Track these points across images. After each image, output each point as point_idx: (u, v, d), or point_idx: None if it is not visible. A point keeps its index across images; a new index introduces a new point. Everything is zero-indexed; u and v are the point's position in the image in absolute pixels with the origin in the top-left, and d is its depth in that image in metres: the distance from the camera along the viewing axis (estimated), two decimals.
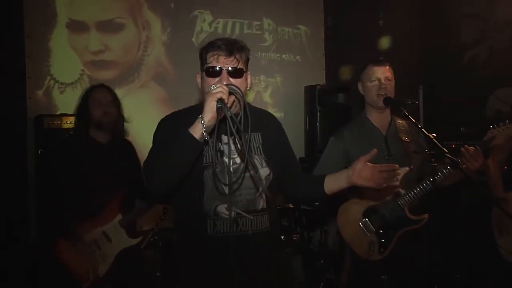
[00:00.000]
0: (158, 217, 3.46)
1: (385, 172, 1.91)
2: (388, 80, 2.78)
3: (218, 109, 1.68)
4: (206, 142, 1.75)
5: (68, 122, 3.57)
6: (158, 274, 3.42)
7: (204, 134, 1.69)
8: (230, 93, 1.74)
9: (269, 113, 2.23)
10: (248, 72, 1.98)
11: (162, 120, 2.01)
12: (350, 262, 2.83)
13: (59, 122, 3.58)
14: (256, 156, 1.96)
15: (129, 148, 3.10)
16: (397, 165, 1.94)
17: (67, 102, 4.03)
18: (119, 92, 4.23)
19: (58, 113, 3.85)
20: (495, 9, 4.07)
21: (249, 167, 1.87)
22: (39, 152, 3.48)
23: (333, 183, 2.00)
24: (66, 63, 4.09)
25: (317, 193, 2.05)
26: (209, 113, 1.69)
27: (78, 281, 2.73)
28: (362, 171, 1.92)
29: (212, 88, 1.73)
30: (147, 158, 1.88)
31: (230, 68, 1.86)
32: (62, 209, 2.76)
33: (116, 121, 2.98)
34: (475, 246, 3.54)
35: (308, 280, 3.78)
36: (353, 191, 2.80)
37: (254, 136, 2.00)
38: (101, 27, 4.24)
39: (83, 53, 4.17)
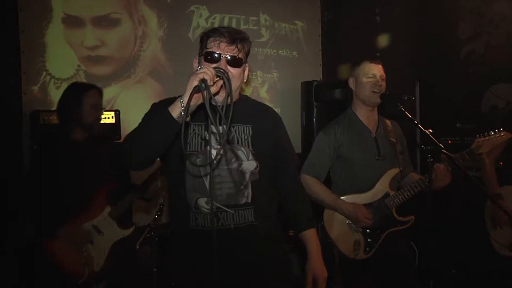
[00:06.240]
0: (154, 212, 3.46)
1: None
2: (383, 79, 2.79)
3: (195, 87, 1.60)
4: (187, 123, 1.72)
5: None
6: (154, 269, 3.41)
7: (183, 114, 1.62)
8: (217, 76, 1.68)
9: (267, 107, 2.17)
10: (247, 65, 1.96)
11: (154, 103, 1.99)
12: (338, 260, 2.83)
13: (54, 117, 3.53)
14: (242, 148, 1.93)
15: (106, 142, 3.08)
16: None
17: None
18: (115, 87, 4.26)
19: (54, 108, 3.82)
20: (492, 5, 4.07)
21: (231, 157, 1.87)
22: (35, 148, 3.46)
23: (303, 241, 2.13)
24: (61, 59, 4.06)
25: (294, 225, 2.18)
26: (189, 93, 1.62)
27: (74, 277, 2.73)
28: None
29: (198, 68, 1.68)
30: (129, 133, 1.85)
31: (229, 56, 1.84)
32: (48, 209, 2.74)
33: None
34: (469, 241, 3.56)
35: (304, 276, 3.78)
36: (342, 189, 2.83)
37: (243, 128, 1.96)
38: (97, 22, 4.21)
39: (79, 48, 4.15)
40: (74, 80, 4.07)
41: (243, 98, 2.09)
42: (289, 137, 2.20)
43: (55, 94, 4.01)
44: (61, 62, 4.06)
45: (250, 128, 1.98)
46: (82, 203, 2.81)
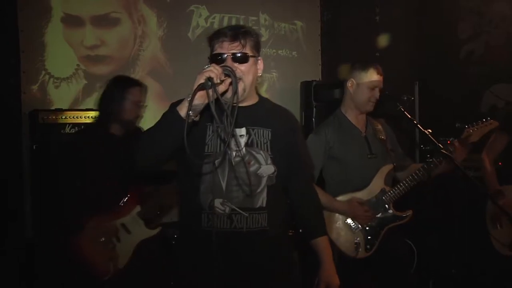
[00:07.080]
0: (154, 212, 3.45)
1: None
2: (379, 91, 2.82)
3: (200, 85, 1.62)
4: (195, 122, 1.71)
5: (63, 117, 3.55)
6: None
7: (191, 113, 1.63)
8: (225, 75, 1.69)
9: (287, 111, 2.15)
10: (259, 58, 1.95)
11: (172, 103, 1.95)
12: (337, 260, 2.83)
13: (54, 117, 3.55)
14: (261, 152, 1.91)
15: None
16: None
17: (62, 97, 4.02)
18: None
19: (53, 108, 3.83)
20: (492, 5, 4.08)
21: (251, 162, 1.86)
22: (34, 147, 3.46)
23: (316, 249, 2.12)
24: (61, 58, 4.05)
25: (306, 232, 2.17)
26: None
27: (98, 275, 2.73)
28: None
29: (206, 67, 1.68)
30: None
31: (233, 54, 1.83)
32: (78, 204, 2.74)
33: None
34: (469, 241, 3.56)
35: (304, 275, 3.78)
36: (336, 189, 2.83)
37: (263, 131, 1.94)
38: (96, 21, 4.20)
39: (78, 47, 4.14)
40: (73, 80, 4.08)
41: (263, 101, 2.08)
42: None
43: (54, 94, 4.01)
44: (60, 62, 4.05)
45: (269, 131, 1.95)
46: (113, 199, 2.82)
